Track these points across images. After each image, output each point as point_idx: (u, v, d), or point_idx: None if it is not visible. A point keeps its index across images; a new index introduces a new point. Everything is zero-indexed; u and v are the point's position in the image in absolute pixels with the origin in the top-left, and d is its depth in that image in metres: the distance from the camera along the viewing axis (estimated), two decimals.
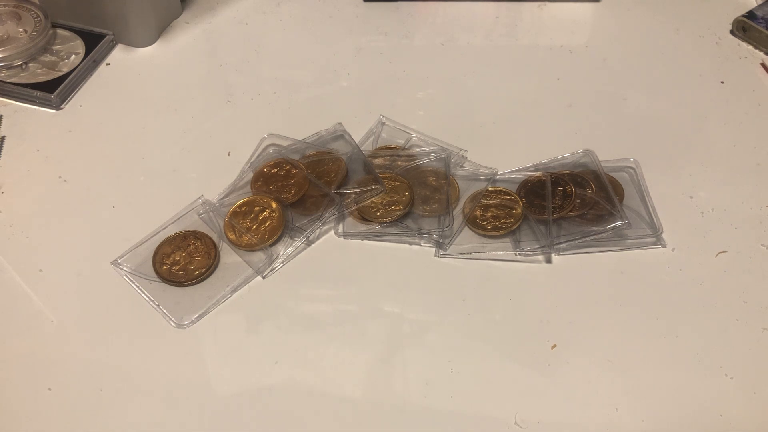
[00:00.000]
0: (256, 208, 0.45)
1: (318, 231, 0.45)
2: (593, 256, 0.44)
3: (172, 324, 0.41)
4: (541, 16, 0.59)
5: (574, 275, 0.43)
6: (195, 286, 0.42)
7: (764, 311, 0.41)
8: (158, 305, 0.41)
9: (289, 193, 0.45)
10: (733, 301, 0.42)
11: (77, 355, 0.40)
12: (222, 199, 0.46)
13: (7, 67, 0.53)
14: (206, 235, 0.44)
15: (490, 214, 0.45)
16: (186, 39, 0.57)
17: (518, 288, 0.42)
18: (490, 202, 0.45)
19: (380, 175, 0.46)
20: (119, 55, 0.55)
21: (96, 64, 0.54)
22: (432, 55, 0.56)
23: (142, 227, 0.44)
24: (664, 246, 0.44)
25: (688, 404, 0.38)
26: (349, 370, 0.39)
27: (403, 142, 0.49)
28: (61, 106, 0.52)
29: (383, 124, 0.50)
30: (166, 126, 0.51)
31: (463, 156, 0.48)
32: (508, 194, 0.46)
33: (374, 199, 0.45)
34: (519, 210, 0.45)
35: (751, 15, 0.56)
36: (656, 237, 0.44)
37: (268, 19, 0.58)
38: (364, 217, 0.45)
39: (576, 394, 0.38)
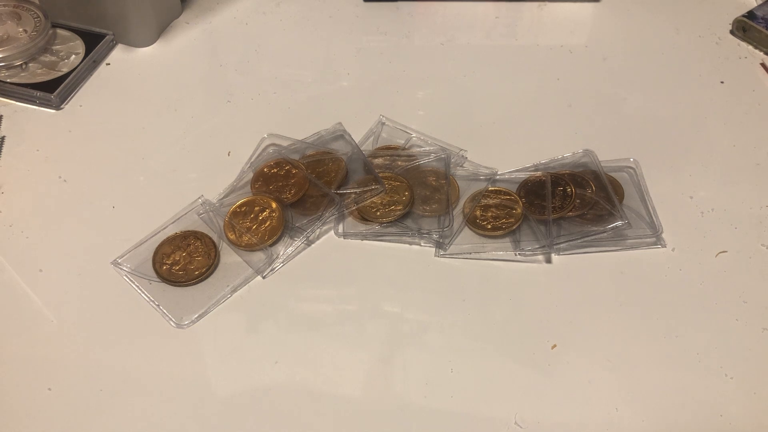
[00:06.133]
0: (256, 208, 0.45)
1: (318, 231, 0.45)
2: (593, 256, 0.44)
3: (172, 324, 0.41)
4: (541, 16, 0.59)
5: (574, 275, 0.43)
6: (195, 286, 0.42)
7: (764, 311, 0.41)
8: (158, 305, 0.41)
9: (289, 193, 0.45)
10: (733, 301, 0.42)
11: (77, 355, 0.40)
12: (222, 199, 0.46)
13: (7, 67, 0.53)
14: (206, 235, 0.44)
15: (490, 214, 0.45)
16: (186, 39, 0.57)
17: (518, 288, 0.42)
18: (490, 202, 0.45)
19: (380, 175, 0.46)
20: (119, 55, 0.55)
21: (96, 64, 0.54)
22: (432, 55, 0.56)
23: (142, 227, 0.44)
24: (664, 246, 0.44)
25: (688, 404, 0.38)
26: (349, 370, 0.39)
27: (403, 142, 0.49)
28: (61, 106, 0.52)
29: (383, 124, 0.50)
30: (166, 126, 0.51)
31: (463, 156, 0.48)
32: (508, 194, 0.46)
33: (374, 199, 0.45)
34: (519, 210, 0.45)
35: (751, 15, 0.56)
36: (656, 237, 0.44)
37: (268, 19, 0.59)
38: (364, 217, 0.45)
39: (576, 394, 0.38)
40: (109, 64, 0.55)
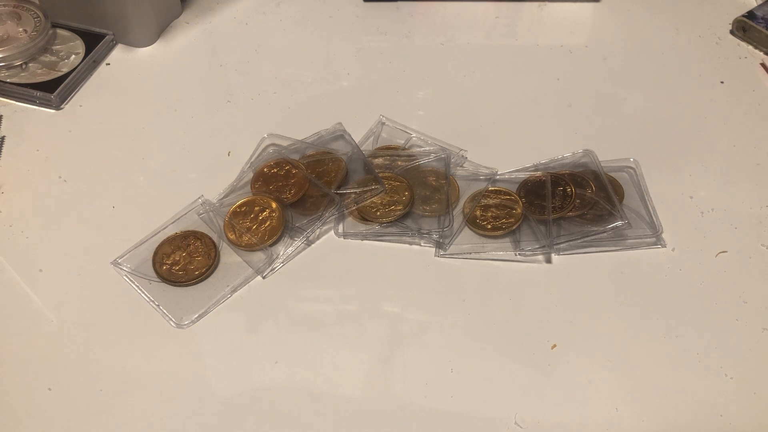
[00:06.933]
0: (256, 208, 0.45)
1: (318, 231, 0.45)
2: (593, 256, 0.44)
3: (172, 324, 0.41)
4: (541, 16, 0.59)
5: (574, 275, 0.43)
6: (195, 286, 0.42)
7: (764, 311, 0.41)
8: (158, 305, 0.41)
9: (289, 193, 0.45)
10: (733, 301, 0.42)
11: (77, 355, 0.40)
12: (222, 199, 0.46)
13: (7, 67, 0.53)
14: (206, 235, 0.44)
15: (490, 214, 0.45)
16: (186, 39, 0.57)
17: (518, 288, 0.42)
18: (490, 202, 0.45)
19: (380, 175, 0.46)
20: (119, 55, 0.55)
21: (96, 64, 0.54)
22: (432, 55, 0.56)
23: (142, 227, 0.44)
24: (664, 246, 0.44)
25: (688, 404, 0.38)
26: (349, 370, 0.39)
27: (403, 142, 0.49)
28: (61, 106, 0.52)
29: (383, 124, 0.50)
30: (166, 126, 0.51)
31: (463, 156, 0.48)
32: (508, 194, 0.46)
33: (374, 199, 0.45)
34: (519, 210, 0.45)
35: (751, 15, 0.56)
36: (656, 237, 0.44)
37: (268, 19, 0.59)
38: (364, 217, 0.45)
39: (576, 394, 0.38)
40: (109, 64, 0.55)
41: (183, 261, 0.43)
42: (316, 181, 0.46)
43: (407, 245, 0.44)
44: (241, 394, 0.38)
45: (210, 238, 0.44)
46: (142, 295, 0.42)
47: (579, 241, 0.44)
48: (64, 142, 0.50)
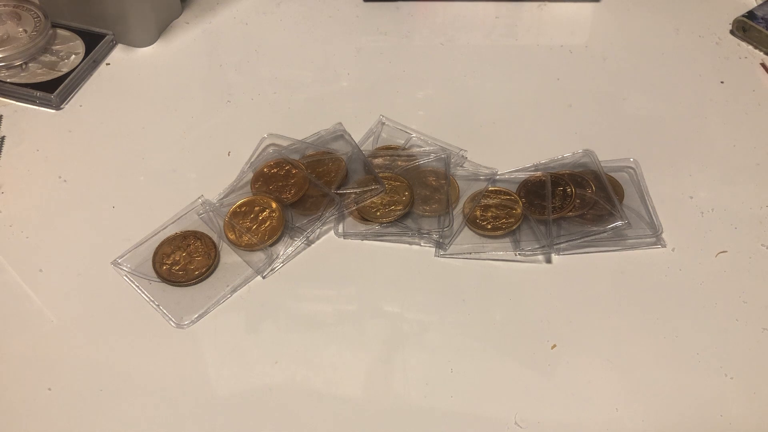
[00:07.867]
0: (256, 208, 0.45)
1: (318, 231, 0.45)
2: (593, 256, 0.44)
3: (172, 324, 0.41)
4: (541, 16, 0.59)
5: (574, 275, 0.43)
6: (195, 286, 0.42)
7: (764, 311, 0.41)
8: (158, 305, 0.41)
9: (289, 193, 0.45)
10: (733, 301, 0.42)
11: (77, 355, 0.40)
12: (222, 199, 0.46)
13: (7, 67, 0.53)
14: (206, 235, 0.44)
15: (490, 214, 0.45)
16: (186, 39, 0.57)
17: (518, 288, 0.42)
18: (490, 202, 0.45)
19: (380, 175, 0.46)
20: (119, 55, 0.55)
21: (96, 64, 0.54)
22: (432, 55, 0.56)
23: (142, 227, 0.44)
24: (664, 246, 0.44)
25: (688, 404, 0.38)
26: (349, 370, 0.39)
27: (403, 142, 0.49)
28: (61, 106, 0.52)
29: (383, 124, 0.50)
30: (166, 126, 0.51)
31: (463, 156, 0.48)
32: (508, 194, 0.46)
33: (374, 199, 0.45)
34: (519, 210, 0.45)
35: (751, 15, 0.56)
36: (656, 237, 0.44)
37: (268, 19, 0.59)
38: (364, 217, 0.45)
39: (576, 394, 0.38)
40: (109, 64, 0.55)
41: (183, 261, 0.43)
42: (316, 181, 0.46)
43: (407, 245, 0.44)
44: (241, 394, 0.38)
45: (210, 238, 0.44)
46: (142, 295, 0.42)
47: (579, 241, 0.44)
48: (64, 142, 0.50)
